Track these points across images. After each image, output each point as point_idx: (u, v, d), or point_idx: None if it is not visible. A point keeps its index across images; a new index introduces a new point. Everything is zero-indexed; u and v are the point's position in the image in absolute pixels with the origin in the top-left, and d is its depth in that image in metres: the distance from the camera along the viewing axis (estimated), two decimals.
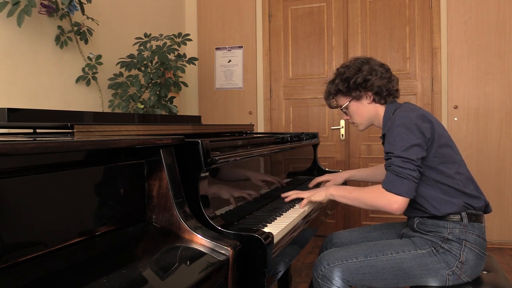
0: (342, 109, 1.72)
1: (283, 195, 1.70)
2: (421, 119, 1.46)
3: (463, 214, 1.44)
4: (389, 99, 1.64)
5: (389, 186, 1.40)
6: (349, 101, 1.67)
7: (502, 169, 3.33)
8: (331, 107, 1.78)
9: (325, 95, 1.76)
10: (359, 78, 1.60)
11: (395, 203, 1.39)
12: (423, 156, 1.42)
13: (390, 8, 3.57)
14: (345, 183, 2.05)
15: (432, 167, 1.46)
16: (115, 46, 3.04)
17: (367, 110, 1.66)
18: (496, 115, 3.33)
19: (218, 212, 1.27)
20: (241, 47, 3.91)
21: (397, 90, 1.65)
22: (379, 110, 1.65)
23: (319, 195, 1.64)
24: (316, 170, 2.46)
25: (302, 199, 1.67)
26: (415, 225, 1.54)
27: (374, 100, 1.63)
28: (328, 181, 1.99)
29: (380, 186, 1.44)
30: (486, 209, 1.51)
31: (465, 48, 3.38)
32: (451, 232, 1.43)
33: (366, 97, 1.64)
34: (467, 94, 3.38)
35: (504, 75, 3.30)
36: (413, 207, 1.54)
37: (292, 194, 1.68)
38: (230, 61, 3.94)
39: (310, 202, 1.67)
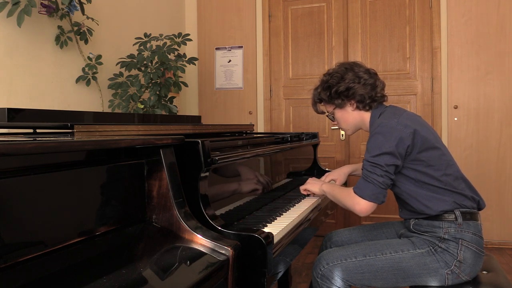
0: (328, 116, 1.75)
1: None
2: (401, 125, 1.46)
3: (457, 213, 1.44)
4: (374, 105, 1.63)
5: (356, 188, 1.47)
6: (333, 109, 1.69)
7: (502, 169, 3.33)
8: (318, 112, 1.81)
9: (311, 102, 1.79)
10: (341, 87, 1.61)
11: (358, 204, 1.45)
12: (394, 164, 1.43)
13: (390, 8, 3.57)
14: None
15: (417, 170, 1.47)
16: (115, 46, 3.04)
17: (352, 116, 1.66)
18: (496, 115, 3.33)
19: (218, 212, 1.27)
20: (241, 47, 3.91)
21: (383, 96, 1.64)
22: (364, 116, 1.65)
23: (314, 187, 1.78)
24: (316, 170, 2.46)
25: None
26: (411, 226, 1.55)
27: (358, 108, 1.64)
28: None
29: (351, 190, 1.49)
30: (479, 206, 1.52)
31: (465, 48, 3.38)
32: (447, 231, 1.44)
33: (350, 105, 1.64)
34: (467, 94, 3.38)
35: (504, 75, 3.30)
36: (407, 209, 1.56)
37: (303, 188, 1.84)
38: (230, 61, 3.94)
39: (307, 190, 1.83)
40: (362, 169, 1.48)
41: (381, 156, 1.43)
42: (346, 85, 1.60)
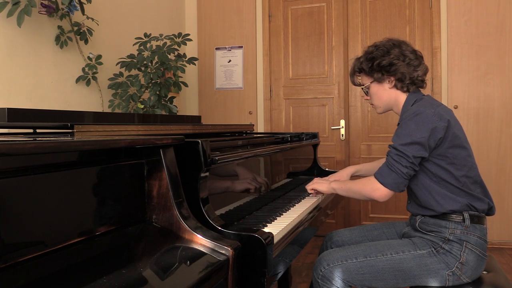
0: (363, 89, 1.69)
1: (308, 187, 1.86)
2: (438, 116, 1.43)
3: (466, 215, 1.43)
4: (412, 88, 1.59)
5: (378, 175, 1.45)
6: (371, 82, 1.64)
7: (502, 169, 3.33)
8: (354, 84, 1.75)
9: (350, 71, 1.74)
10: (384, 61, 1.56)
11: (378, 190, 1.44)
12: (422, 156, 1.41)
13: (390, 8, 3.57)
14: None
15: (439, 165, 1.45)
16: (115, 46, 3.04)
17: (387, 94, 1.62)
18: (496, 115, 3.33)
19: (218, 212, 1.27)
20: (241, 47, 3.91)
21: (423, 80, 1.60)
22: (400, 97, 1.61)
23: (322, 186, 1.74)
24: (316, 170, 2.46)
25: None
26: (417, 224, 1.53)
27: (395, 86, 1.59)
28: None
29: (372, 176, 1.48)
30: (489, 211, 1.50)
31: (465, 48, 3.38)
32: (452, 232, 1.43)
33: (388, 82, 1.60)
34: (467, 94, 3.38)
35: (504, 75, 3.30)
36: (417, 203, 1.54)
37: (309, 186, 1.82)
38: (230, 61, 3.94)
39: (314, 190, 1.80)
40: (387, 156, 1.45)
41: (410, 146, 1.40)
42: (390, 60, 1.56)
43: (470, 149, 1.51)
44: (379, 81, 1.61)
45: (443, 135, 1.42)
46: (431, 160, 1.45)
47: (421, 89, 1.64)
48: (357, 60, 1.68)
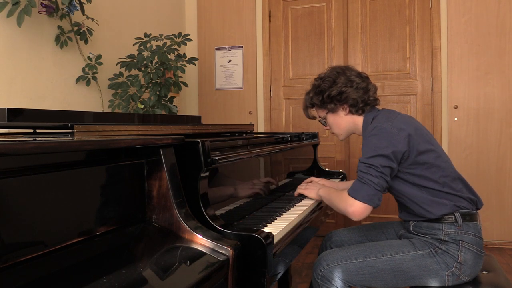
0: (320, 121, 1.73)
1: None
2: (397, 128, 1.44)
3: (457, 215, 1.44)
4: (367, 109, 1.61)
5: (350, 190, 1.44)
6: (326, 113, 1.67)
7: (502, 169, 3.33)
8: (309, 118, 1.79)
9: (302, 107, 1.76)
10: (333, 91, 1.59)
11: (351, 206, 1.41)
12: (390, 166, 1.41)
13: (390, 8, 3.57)
14: None
15: (415, 174, 1.46)
16: (115, 46, 3.04)
17: (345, 121, 1.65)
18: (496, 115, 3.33)
19: (218, 212, 1.27)
20: (241, 47, 3.91)
21: (375, 99, 1.63)
22: (357, 120, 1.63)
23: (311, 192, 1.76)
24: (316, 170, 2.46)
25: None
26: (410, 228, 1.55)
27: (350, 112, 1.62)
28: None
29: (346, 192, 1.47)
30: (477, 205, 1.51)
31: (465, 48, 3.38)
32: (447, 233, 1.43)
33: (342, 109, 1.63)
34: (467, 94, 3.38)
35: (504, 75, 3.30)
36: (407, 211, 1.56)
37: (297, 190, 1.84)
38: (230, 61, 3.94)
39: (302, 195, 1.83)
40: (357, 172, 1.46)
41: (375, 158, 1.41)
42: (339, 89, 1.58)
43: (438, 149, 1.51)
44: (333, 111, 1.64)
45: (407, 147, 1.42)
46: (406, 170, 1.46)
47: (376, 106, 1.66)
48: (307, 95, 1.71)
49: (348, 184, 1.89)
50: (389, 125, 1.45)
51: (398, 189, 1.51)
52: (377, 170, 1.40)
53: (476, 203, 1.51)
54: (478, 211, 1.51)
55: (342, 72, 1.61)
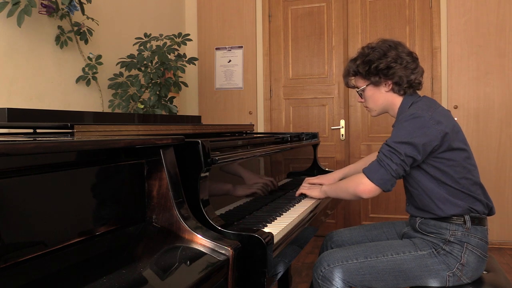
0: (357, 91, 1.65)
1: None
2: (435, 121, 1.40)
3: (467, 217, 1.42)
4: (409, 91, 1.55)
5: (366, 169, 1.42)
6: (367, 85, 1.59)
7: (502, 169, 3.33)
8: (347, 86, 1.71)
9: (344, 73, 1.68)
10: (381, 64, 1.51)
11: (362, 184, 1.40)
12: (414, 157, 1.38)
13: (390, 8, 3.57)
14: None
15: (438, 168, 1.43)
16: (115, 46, 3.04)
17: (384, 98, 1.58)
18: (496, 115, 3.33)
19: (218, 212, 1.27)
20: (241, 47, 3.91)
21: (420, 82, 1.56)
22: (396, 100, 1.57)
23: (314, 192, 1.76)
24: (316, 170, 2.46)
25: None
26: (416, 225, 1.53)
27: (392, 90, 1.55)
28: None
29: (361, 172, 1.45)
30: (490, 212, 1.49)
31: (465, 48, 3.38)
32: (453, 234, 1.42)
33: (385, 85, 1.55)
34: (467, 94, 3.38)
35: (504, 75, 3.30)
36: (416, 207, 1.52)
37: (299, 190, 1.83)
38: (230, 61, 3.94)
39: (303, 194, 1.82)
40: (378, 152, 1.43)
41: (403, 145, 1.37)
42: (388, 63, 1.51)
43: (469, 151, 1.49)
44: (376, 84, 1.57)
45: (439, 142, 1.39)
46: (429, 162, 1.43)
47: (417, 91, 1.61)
48: (352, 62, 1.62)
49: (364, 161, 1.88)
50: (428, 115, 1.40)
51: (416, 179, 1.46)
52: (400, 157, 1.37)
53: (491, 210, 1.48)
54: (487, 216, 1.49)
55: (394, 46, 1.54)
